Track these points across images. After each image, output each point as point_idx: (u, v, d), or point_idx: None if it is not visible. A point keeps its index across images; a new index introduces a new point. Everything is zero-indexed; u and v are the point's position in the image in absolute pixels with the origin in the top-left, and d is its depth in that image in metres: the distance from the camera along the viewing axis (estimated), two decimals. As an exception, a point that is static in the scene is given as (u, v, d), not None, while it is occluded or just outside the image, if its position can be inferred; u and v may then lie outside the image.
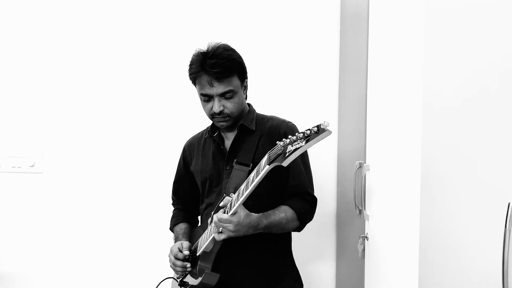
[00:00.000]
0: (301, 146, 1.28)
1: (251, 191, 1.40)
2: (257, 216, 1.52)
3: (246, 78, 1.68)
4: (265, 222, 1.53)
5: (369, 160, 2.00)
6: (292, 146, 1.30)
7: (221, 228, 1.47)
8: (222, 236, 1.49)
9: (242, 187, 1.44)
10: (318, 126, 1.27)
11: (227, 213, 1.46)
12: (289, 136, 1.33)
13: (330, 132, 1.28)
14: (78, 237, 2.31)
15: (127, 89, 2.30)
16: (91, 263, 2.31)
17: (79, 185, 2.32)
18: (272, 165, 1.33)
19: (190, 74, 1.63)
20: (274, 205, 1.61)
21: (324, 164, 2.16)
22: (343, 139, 2.19)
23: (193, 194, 1.84)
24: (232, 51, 1.63)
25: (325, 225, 2.19)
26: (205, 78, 1.58)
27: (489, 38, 1.32)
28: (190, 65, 1.62)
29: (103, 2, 2.30)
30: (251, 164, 1.60)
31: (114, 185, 2.30)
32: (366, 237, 1.98)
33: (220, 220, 1.45)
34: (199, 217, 1.89)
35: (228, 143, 1.70)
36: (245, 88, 1.68)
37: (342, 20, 2.20)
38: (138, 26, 2.29)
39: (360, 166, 1.97)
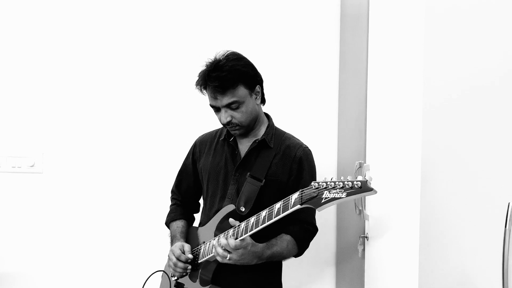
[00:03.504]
0: (340, 198, 1.28)
1: (272, 223, 1.42)
2: (261, 246, 1.54)
3: (258, 84, 1.66)
4: (268, 253, 1.56)
5: (369, 160, 2.00)
6: (330, 193, 1.29)
7: (228, 256, 1.48)
8: (226, 261, 1.50)
9: (264, 214, 1.44)
10: (362, 182, 1.26)
11: (236, 236, 1.47)
12: (326, 179, 1.32)
13: (375, 192, 1.26)
14: (78, 237, 2.31)
15: (127, 89, 2.29)
16: (91, 263, 2.31)
17: (79, 185, 2.31)
18: (304, 206, 1.34)
19: (196, 86, 1.64)
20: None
21: (324, 164, 2.16)
22: (343, 139, 2.20)
23: (195, 190, 1.85)
24: (237, 60, 1.61)
25: (325, 225, 2.19)
26: (209, 91, 1.60)
27: (489, 38, 1.32)
28: (198, 76, 1.63)
29: (104, 2, 2.30)
30: (264, 180, 1.62)
31: (114, 185, 2.30)
32: (366, 237, 1.98)
33: (229, 243, 1.46)
34: (195, 215, 1.90)
35: (242, 148, 1.71)
36: (258, 94, 1.66)
37: (342, 20, 2.20)
38: (138, 23, 2.29)
39: (360, 166, 1.97)
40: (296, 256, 1.68)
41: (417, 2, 1.39)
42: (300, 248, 1.66)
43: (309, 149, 1.72)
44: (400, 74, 1.56)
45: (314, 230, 1.70)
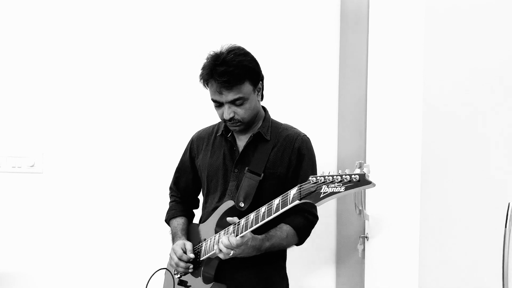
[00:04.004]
0: (339, 192, 1.26)
1: (272, 219, 1.42)
2: (260, 239, 1.53)
3: (261, 80, 1.64)
4: (267, 244, 1.55)
5: (369, 160, 2.00)
6: (328, 187, 1.28)
7: (232, 252, 1.48)
8: (228, 256, 1.50)
9: (263, 210, 1.44)
10: (360, 175, 1.24)
11: (236, 233, 1.47)
12: (324, 173, 1.31)
13: (374, 185, 1.24)
14: (78, 237, 2.31)
15: (126, 89, 2.29)
16: (92, 262, 2.31)
17: (79, 185, 2.31)
18: (303, 201, 1.33)
19: (200, 79, 1.60)
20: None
21: (324, 164, 2.16)
22: (343, 139, 2.19)
23: (194, 187, 1.84)
24: (244, 55, 1.58)
25: (325, 225, 2.19)
26: (214, 85, 1.56)
27: (488, 38, 1.32)
28: (202, 69, 1.60)
29: (104, 1, 2.30)
30: (262, 174, 1.60)
31: (114, 184, 2.30)
32: (366, 237, 1.98)
33: (231, 243, 1.46)
34: (195, 210, 1.89)
35: (240, 144, 1.69)
36: (260, 90, 1.65)
37: (342, 20, 2.19)
38: (137, 22, 2.28)
39: (360, 166, 1.96)
40: (297, 244, 1.67)
41: (417, 2, 1.39)
42: (301, 237, 1.65)
43: (307, 138, 1.69)
44: (400, 74, 1.56)
45: (314, 219, 1.67)
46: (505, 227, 1.23)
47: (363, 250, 2.03)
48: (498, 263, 1.24)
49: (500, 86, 1.31)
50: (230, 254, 1.48)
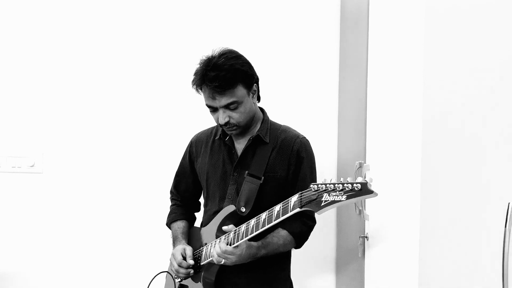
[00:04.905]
0: (340, 201, 1.26)
1: (271, 226, 1.43)
2: (256, 246, 1.54)
3: (255, 83, 1.62)
4: (263, 251, 1.56)
5: (369, 160, 2.00)
6: (329, 196, 1.28)
7: (223, 261, 1.50)
8: (222, 262, 1.51)
9: (264, 216, 1.45)
10: (362, 184, 1.23)
11: (236, 239, 1.48)
12: (325, 181, 1.31)
13: (376, 195, 1.23)
14: (77, 237, 2.31)
15: (126, 89, 2.30)
16: (91, 264, 2.31)
17: (79, 185, 2.31)
18: (304, 209, 1.34)
19: (193, 85, 1.59)
20: None
21: (324, 164, 2.16)
22: (343, 139, 2.19)
23: (194, 190, 1.84)
24: (236, 58, 1.56)
25: (325, 225, 2.19)
26: (207, 91, 1.55)
27: (489, 39, 1.32)
28: (194, 75, 1.58)
29: (104, 2, 2.30)
30: (263, 178, 1.60)
31: (114, 185, 2.30)
32: (366, 237, 1.98)
33: (224, 252, 1.48)
34: (196, 214, 1.89)
35: (239, 147, 1.68)
36: (255, 92, 1.63)
37: (342, 20, 2.20)
38: (138, 23, 2.29)
39: (360, 166, 1.96)
40: (296, 248, 1.67)
41: (417, 2, 1.39)
42: (298, 243, 1.65)
43: (306, 140, 1.68)
44: (400, 74, 1.56)
45: (312, 223, 1.67)
46: (505, 227, 1.23)
47: (363, 250, 2.03)
48: (498, 263, 1.24)
49: (500, 86, 1.31)
50: (221, 262, 1.50)
